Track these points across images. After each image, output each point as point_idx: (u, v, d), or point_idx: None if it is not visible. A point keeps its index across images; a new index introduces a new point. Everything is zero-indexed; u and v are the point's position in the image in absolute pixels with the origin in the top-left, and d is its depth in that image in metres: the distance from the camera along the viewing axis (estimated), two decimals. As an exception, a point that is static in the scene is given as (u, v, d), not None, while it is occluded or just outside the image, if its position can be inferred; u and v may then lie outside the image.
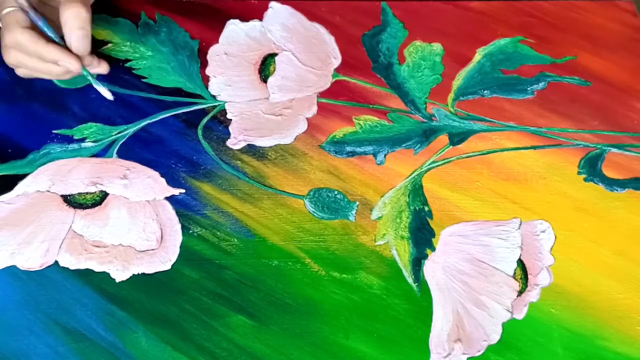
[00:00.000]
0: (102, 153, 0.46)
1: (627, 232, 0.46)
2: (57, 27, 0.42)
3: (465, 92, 0.52)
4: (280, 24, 0.53)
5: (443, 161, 0.48)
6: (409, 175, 0.47)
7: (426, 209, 0.46)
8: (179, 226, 0.43)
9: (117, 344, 0.39)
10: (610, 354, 0.41)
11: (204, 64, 0.51)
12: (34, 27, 0.41)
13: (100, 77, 0.49)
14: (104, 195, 0.44)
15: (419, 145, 0.49)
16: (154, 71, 0.50)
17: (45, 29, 0.42)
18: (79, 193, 0.44)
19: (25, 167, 0.45)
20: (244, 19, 0.54)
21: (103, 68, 0.45)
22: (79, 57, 0.42)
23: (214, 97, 0.50)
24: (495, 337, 0.41)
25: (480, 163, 0.48)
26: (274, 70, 0.51)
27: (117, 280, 0.41)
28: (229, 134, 0.48)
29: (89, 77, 0.44)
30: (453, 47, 0.54)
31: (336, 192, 0.46)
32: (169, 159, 0.46)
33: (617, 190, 0.48)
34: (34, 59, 0.41)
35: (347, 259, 0.43)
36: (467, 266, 0.43)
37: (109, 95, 0.45)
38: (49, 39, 0.41)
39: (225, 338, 0.40)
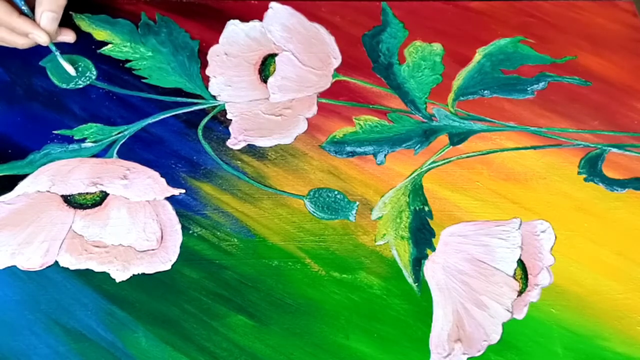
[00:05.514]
0: (102, 153, 0.46)
1: (627, 232, 0.46)
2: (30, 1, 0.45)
3: (465, 92, 0.52)
4: (280, 24, 0.54)
5: (443, 161, 0.48)
6: (409, 175, 0.47)
7: (426, 209, 0.46)
8: (179, 226, 0.43)
9: (117, 344, 0.39)
10: (610, 354, 0.41)
11: (204, 64, 0.51)
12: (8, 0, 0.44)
13: (101, 77, 0.49)
14: (104, 196, 0.44)
15: (419, 145, 0.49)
16: (154, 72, 0.50)
17: (18, 2, 0.44)
18: (79, 193, 0.44)
19: (26, 168, 0.45)
20: (244, 19, 0.54)
21: (69, 37, 0.48)
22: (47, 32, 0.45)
23: (214, 97, 0.50)
24: (495, 337, 0.41)
25: (480, 163, 0.48)
26: (274, 70, 0.51)
27: (117, 281, 0.41)
28: (229, 134, 0.48)
29: (55, 52, 0.47)
30: (453, 47, 0.54)
31: (336, 192, 0.46)
32: (169, 159, 0.46)
33: (617, 190, 0.48)
34: (2, 29, 0.44)
35: (347, 259, 0.43)
36: (467, 266, 0.43)
37: (72, 71, 0.49)
38: (21, 12, 0.44)
39: (225, 338, 0.40)
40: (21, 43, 0.46)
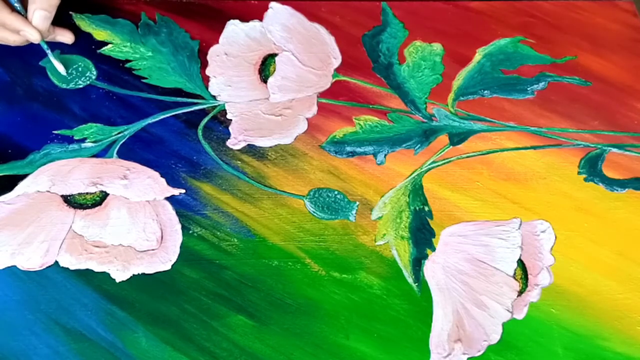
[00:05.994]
0: (102, 153, 0.46)
1: (627, 232, 0.46)
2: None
3: (465, 92, 0.52)
4: (280, 25, 0.53)
5: (443, 161, 0.48)
6: (409, 175, 0.47)
7: (426, 209, 0.46)
8: (179, 226, 0.43)
9: (117, 344, 0.39)
10: (610, 354, 0.41)
11: (204, 64, 0.51)
12: None
13: (101, 77, 0.49)
14: (104, 196, 0.44)
15: (419, 145, 0.49)
16: (154, 72, 0.50)
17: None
18: (79, 193, 0.44)
19: (26, 168, 0.45)
20: (244, 19, 0.54)
21: (67, 37, 0.49)
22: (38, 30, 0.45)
23: (214, 97, 0.50)
24: (495, 337, 0.41)
25: (480, 163, 0.48)
26: (274, 70, 0.51)
27: (117, 281, 0.41)
28: (229, 134, 0.48)
29: (46, 50, 0.47)
30: (453, 47, 0.54)
31: (336, 192, 0.46)
32: (169, 159, 0.46)
33: (617, 190, 0.48)
34: None
35: (347, 259, 0.43)
36: (467, 266, 0.43)
37: (62, 70, 0.49)
38: (13, 9, 0.44)
39: (225, 338, 0.40)
40: (12, 40, 0.46)
